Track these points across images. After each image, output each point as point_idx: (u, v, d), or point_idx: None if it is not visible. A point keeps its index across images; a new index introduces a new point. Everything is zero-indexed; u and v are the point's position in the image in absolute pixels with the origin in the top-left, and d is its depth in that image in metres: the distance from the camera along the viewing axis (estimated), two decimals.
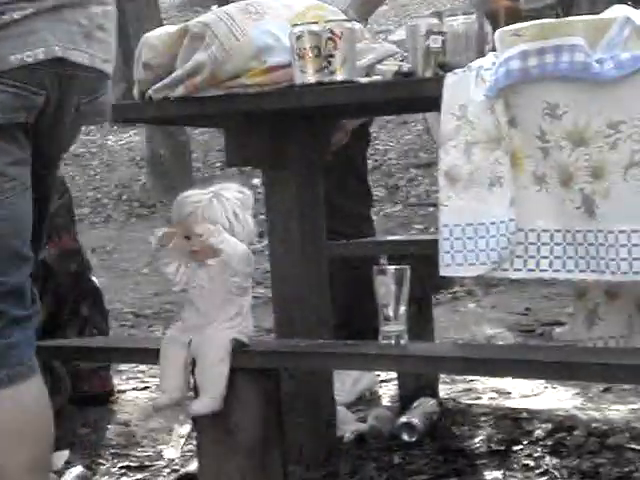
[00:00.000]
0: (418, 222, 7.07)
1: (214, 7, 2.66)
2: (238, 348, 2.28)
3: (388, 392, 3.33)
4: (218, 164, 9.90)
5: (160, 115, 2.66)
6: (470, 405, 3.03)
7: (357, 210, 3.29)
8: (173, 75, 2.50)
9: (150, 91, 2.55)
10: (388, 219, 7.08)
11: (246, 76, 2.46)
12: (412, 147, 9.08)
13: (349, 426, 2.87)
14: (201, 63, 2.45)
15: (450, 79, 2.25)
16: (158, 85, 2.53)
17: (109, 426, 3.14)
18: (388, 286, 2.28)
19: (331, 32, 2.38)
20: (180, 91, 2.50)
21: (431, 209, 7.21)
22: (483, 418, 2.93)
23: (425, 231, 6.67)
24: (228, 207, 2.27)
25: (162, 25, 2.84)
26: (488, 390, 3.23)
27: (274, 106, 2.50)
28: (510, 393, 3.21)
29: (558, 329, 3.61)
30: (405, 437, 2.80)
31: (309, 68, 2.41)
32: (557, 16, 3.07)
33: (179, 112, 2.57)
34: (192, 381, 2.30)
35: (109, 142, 11.62)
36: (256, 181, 2.44)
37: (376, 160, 8.60)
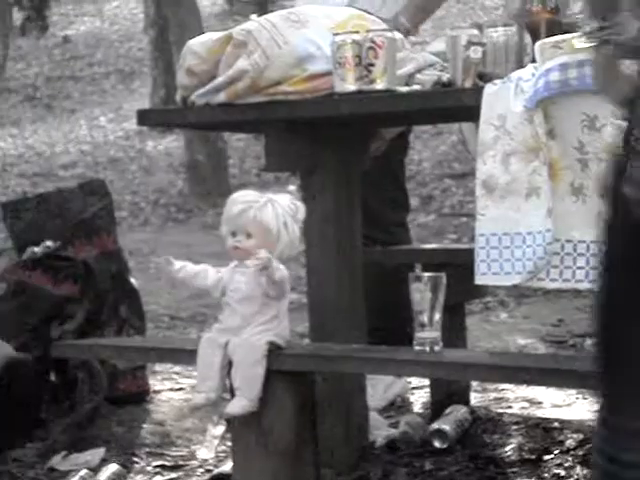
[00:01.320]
0: (451, 232, 7.08)
1: (253, 15, 2.69)
2: (274, 351, 2.32)
3: (420, 399, 3.34)
4: (254, 171, 9.96)
5: (201, 121, 2.71)
6: (501, 414, 3.03)
7: (393, 217, 3.31)
8: (215, 81, 2.54)
9: (193, 97, 2.59)
10: (422, 228, 7.09)
11: (287, 83, 2.50)
12: (447, 158, 9.09)
13: (381, 431, 2.89)
14: (243, 70, 2.49)
15: (489, 89, 2.27)
16: (200, 91, 2.57)
17: (144, 425, 3.18)
18: (423, 293, 2.31)
19: (372, 41, 2.41)
20: (222, 97, 2.54)
21: (464, 219, 7.22)
22: (514, 427, 2.93)
23: (458, 241, 6.69)
24: (280, 214, 2.31)
25: (203, 33, 2.88)
26: (519, 399, 3.24)
27: (314, 114, 2.53)
28: (541, 403, 3.21)
29: (590, 340, 3.61)
30: (436, 444, 2.81)
31: (349, 77, 2.44)
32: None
33: (220, 118, 2.61)
34: (228, 382, 2.33)
35: (148, 147, 11.73)
36: (292, 188, 2.47)
37: (411, 170, 8.62)
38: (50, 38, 17.84)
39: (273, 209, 2.30)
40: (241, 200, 2.32)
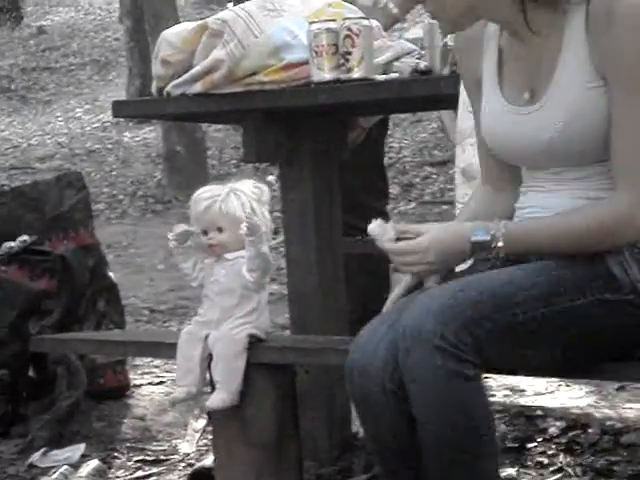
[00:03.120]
0: (432, 220, 7.06)
1: (230, 4, 2.66)
2: (254, 343, 2.30)
3: None
4: (233, 161, 9.92)
5: (177, 111, 2.68)
6: None
7: (375, 205, 3.29)
8: (191, 72, 2.51)
9: (168, 87, 2.56)
10: (402, 217, 7.09)
11: (263, 73, 2.47)
12: (427, 145, 9.08)
13: None
14: (219, 60, 2.46)
15: None
16: (176, 81, 2.54)
17: (125, 420, 3.16)
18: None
19: (349, 30, 2.39)
20: (198, 88, 2.51)
21: (445, 207, 7.22)
22: (497, 415, 2.92)
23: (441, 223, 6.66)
24: (245, 201, 2.29)
25: (178, 22, 2.85)
26: (502, 387, 3.23)
27: (291, 103, 2.51)
28: (524, 391, 3.21)
29: None
30: None
31: (326, 65, 2.41)
32: None
33: (196, 108, 2.59)
34: (208, 376, 2.31)
35: (125, 138, 11.66)
36: (271, 178, 2.44)
37: (391, 157, 8.60)
38: (25, 29, 17.70)
39: (237, 198, 2.28)
40: (204, 197, 2.30)
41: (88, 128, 12.32)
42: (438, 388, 1.64)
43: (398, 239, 1.81)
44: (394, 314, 1.80)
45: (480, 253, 1.79)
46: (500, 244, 1.76)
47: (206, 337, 2.30)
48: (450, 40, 2.38)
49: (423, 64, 2.46)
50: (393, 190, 7.42)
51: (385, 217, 3.40)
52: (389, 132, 3.59)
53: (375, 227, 1.82)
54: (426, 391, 1.65)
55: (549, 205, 1.82)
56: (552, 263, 1.77)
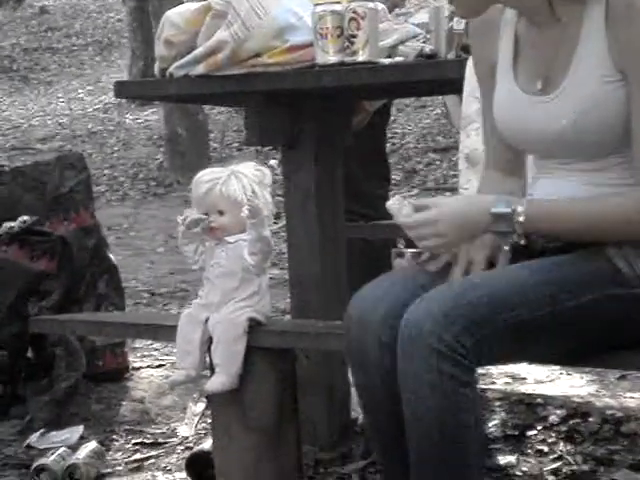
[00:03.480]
0: None
1: None
2: (255, 327, 2.28)
3: None
4: (235, 144, 9.90)
5: (180, 93, 2.65)
6: (485, 390, 3.02)
7: (376, 191, 3.27)
8: (194, 52, 2.49)
9: (171, 68, 2.54)
10: None
11: (267, 55, 2.45)
12: (430, 131, 9.06)
13: None
14: (223, 41, 2.44)
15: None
16: (179, 62, 2.52)
17: (123, 403, 3.15)
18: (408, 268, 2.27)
19: (354, 12, 2.37)
20: (201, 69, 2.49)
21: (448, 194, 7.19)
22: (497, 403, 2.92)
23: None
24: (246, 184, 2.27)
25: (182, 3, 2.83)
26: (503, 375, 3.22)
27: (294, 86, 2.48)
28: (525, 378, 3.20)
29: None
30: None
31: (331, 48, 2.39)
32: None
33: (199, 90, 2.56)
34: (208, 359, 2.30)
35: (127, 120, 11.64)
36: (273, 162, 2.43)
37: (394, 144, 8.58)
38: (27, 9, 17.64)
39: (238, 181, 2.26)
40: (205, 179, 2.28)
41: (90, 109, 12.29)
42: (431, 389, 1.64)
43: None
44: (399, 273, 1.83)
45: (499, 225, 1.74)
46: (521, 219, 1.73)
47: (206, 320, 2.29)
48: (456, 24, 2.36)
49: (428, 48, 2.44)
50: (396, 176, 7.41)
51: (385, 202, 3.40)
52: (392, 118, 3.57)
53: (393, 203, 1.78)
54: (419, 390, 1.65)
55: (560, 193, 1.80)
56: (557, 261, 1.76)
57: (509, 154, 1.94)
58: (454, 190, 7.16)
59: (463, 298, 1.68)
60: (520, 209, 1.74)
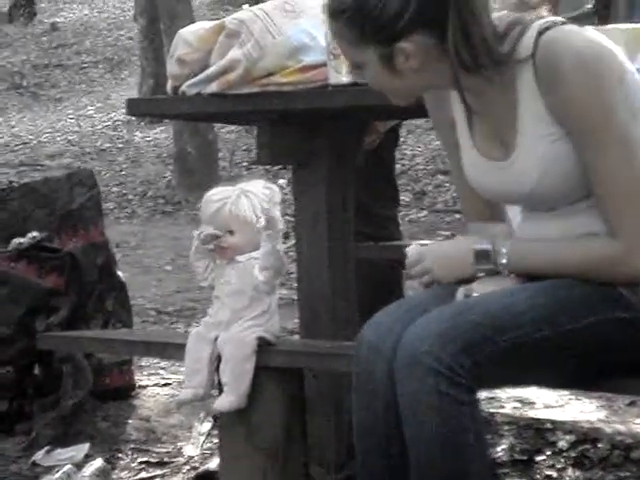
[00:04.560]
0: (444, 229, 7.04)
1: (245, 6, 2.64)
2: (264, 347, 2.27)
3: None
4: (244, 163, 9.90)
5: (192, 111, 2.65)
6: (493, 414, 3.00)
7: (385, 212, 3.27)
8: (207, 71, 2.49)
9: (183, 87, 2.54)
10: (414, 225, 7.06)
11: (281, 74, 2.45)
12: (440, 153, 9.05)
13: None
14: (236, 60, 2.44)
15: None
16: (192, 81, 2.52)
17: (129, 421, 3.14)
18: (417, 290, 2.27)
19: None
20: (213, 87, 2.49)
21: (457, 216, 7.18)
22: (506, 427, 2.90)
23: (451, 237, 6.63)
24: (256, 203, 2.27)
25: (194, 22, 2.83)
26: (512, 399, 3.20)
27: (307, 105, 2.48)
28: (534, 403, 3.18)
29: None
30: None
31: (343, 68, 2.39)
32: (594, 25, 3.04)
33: (212, 109, 2.56)
34: (216, 378, 2.29)
35: (136, 138, 11.66)
36: (282, 181, 2.43)
37: (403, 165, 8.57)
38: (38, 25, 17.73)
39: (247, 200, 2.27)
40: (215, 199, 2.29)
41: (99, 126, 12.32)
42: (430, 410, 1.63)
43: None
44: (412, 301, 1.83)
45: (484, 263, 1.79)
46: (504, 261, 1.77)
47: (215, 339, 2.28)
48: None
49: None
50: (405, 198, 7.40)
51: (394, 224, 3.40)
52: (402, 139, 3.57)
53: (409, 249, 1.92)
54: (418, 411, 1.64)
55: (547, 234, 1.81)
56: (559, 283, 1.75)
57: (485, 204, 1.94)
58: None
59: (461, 318, 1.67)
60: (503, 250, 1.77)
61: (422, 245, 1.93)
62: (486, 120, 1.82)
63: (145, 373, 3.59)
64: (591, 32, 1.75)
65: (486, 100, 1.79)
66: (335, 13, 1.77)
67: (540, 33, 1.71)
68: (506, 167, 1.79)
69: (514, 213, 1.97)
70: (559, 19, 1.75)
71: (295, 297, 2.81)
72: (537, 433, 2.86)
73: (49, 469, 2.78)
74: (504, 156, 1.79)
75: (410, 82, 1.77)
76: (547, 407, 3.15)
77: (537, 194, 1.78)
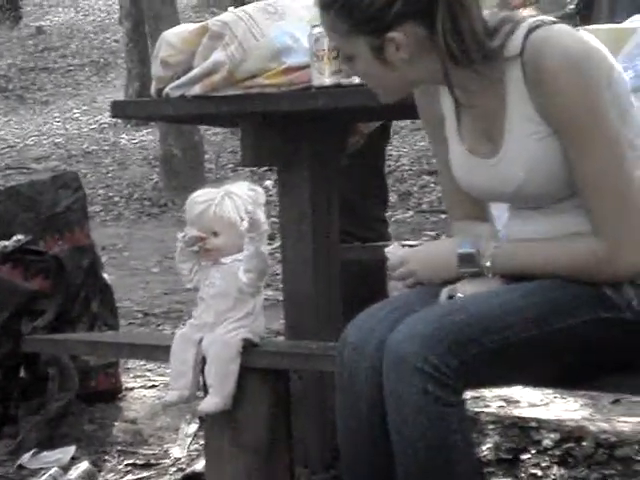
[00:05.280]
0: (429, 229, 7.06)
1: (230, 8, 2.65)
2: (248, 348, 2.28)
3: None
4: (230, 165, 9.90)
5: (176, 113, 2.66)
6: (478, 413, 3.01)
7: (375, 213, 3.27)
8: (191, 73, 2.50)
9: (167, 89, 2.55)
10: (399, 225, 7.07)
11: (264, 76, 2.46)
12: (425, 153, 9.07)
13: None
14: (219, 62, 2.45)
15: None
16: (175, 83, 2.52)
17: (116, 423, 3.14)
18: (401, 290, 2.28)
19: None
20: (197, 90, 2.49)
21: (443, 216, 7.20)
22: (491, 426, 2.91)
23: (436, 238, 6.65)
24: (240, 205, 2.27)
25: (179, 24, 2.84)
26: (496, 398, 3.21)
27: (290, 107, 2.49)
28: (518, 402, 3.19)
29: None
30: None
31: (326, 70, 2.40)
32: (576, 26, 3.06)
33: (196, 110, 2.57)
34: (202, 380, 2.29)
35: (122, 140, 11.64)
36: (268, 183, 2.43)
37: (389, 166, 8.59)
38: (23, 29, 17.68)
39: (232, 202, 2.27)
40: (199, 200, 2.29)
41: (85, 129, 12.30)
42: (416, 410, 1.63)
43: None
44: (396, 301, 1.83)
45: (467, 266, 1.80)
46: (488, 263, 1.78)
47: (200, 340, 2.29)
48: None
49: None
50: (391, 198, 7.36)
51: (382, 224, 3.40)
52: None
53: (389, 249, 1.92)
54: (404, 412, 1.65)
55: (534, 232, 1.82)
56: (546, 284, 1.76)
57: (470, 202, 1.94)
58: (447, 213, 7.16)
59: (448, 319, 1.68)
60: (486, 252, 1.79)
61: (402, 246, 1.93)
62: (474, 116, 1.82)
63: (131, 375, 3.59)
64: (581, 32, 1.76)
65: (475, 96, 1.79)
66: (326, 5, 1.77)
67: (529, 31, 1.72)
68: (493, 164, 1.80)
69: (499, 212, 1.98)
70: (549, 18, 1.76)
71: (281, 298, 2.81)
72: (522, 432, 2.87)
73: (35, 472, 2.78)
74: (491, 153, 1.80)
75: (400, 74, 1.77)
76: (532, 406, 3.16)
77: (523, 192, 1.78)
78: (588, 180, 1.72)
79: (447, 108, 1.87)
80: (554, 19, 1.76)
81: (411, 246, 1.97)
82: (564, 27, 1.74)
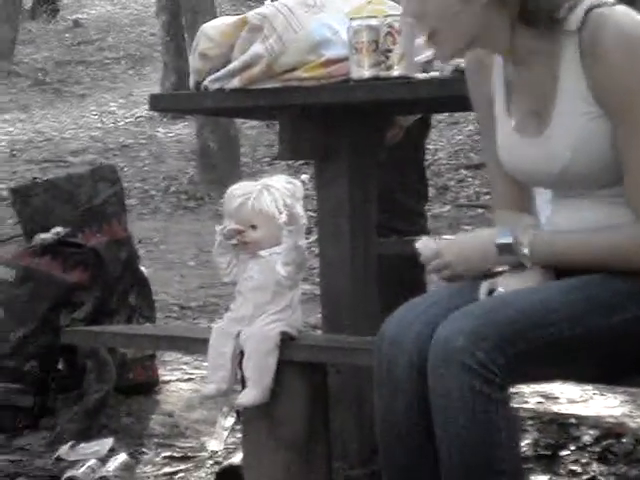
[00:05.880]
0: (467, 223, 7.02)
1: (267, 1, 2.64)
2: (286, 341, 2.27)
3: None
4: (266, 159, 9.91)
5: (215, 106, 2.66)
6: (517, 409, 2.99)
7: (416, 207, 3.25)
8: (229, 66, 2.49)
9: (206, 82, 2.54)
10: (437, 220, 7.03)
11: (303, 69, 2.45)
12: (462, 148, 9.02)
13: None
14: (258, 55, 2.44)
15: None
16: (214, 76, 2.52)
17: (153, 416, 3.15)
18: (437, 283, 2.26)
19: (390, 27, 2.36)
20: (235, 82, 2.49)
21: (480, 210, 7.17)
22: (530, 422, 2.89)
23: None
24: (278, 198, 2.27)
25: (216, 17, 2.83)
26: (535, 394, 3.19)
27: (329, 100, 2.48)
28: (558, 398, 3.17)
29: None
30: None
31: (366, 62, 2.39)
32: None
33: (234, 103, 2.56)
34: (239, 373, 2.29)
35: (158, 134, 11.68)
36: (304, 177, 2.42)
37: (426, 159, 8.54)
38: (60, 22, 17.78)
39: (270, 195, 2.26)
40: (237, 194, 2.28)
41: (122, 123, 12.36)
42: (462, 407, 1.63)
43: None
44: (434, 296, 1.83)
45: (506, 258, 1.79)
46: (526, 251, 1.77)
47: (238, 334, 2.28)
48: None
49: (464, 63, 2.42)
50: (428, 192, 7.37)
51: (422, 218, 3.38)
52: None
53: (420, 243, 1.92)
54: (450, 408, 1.64)
55: (579, 222, 1.80)
56: (590, 280, 1.75)
57: (516, 190, 1.93)
58: (485, 207, 7.12)
59: (495, 315, 1.67)
60: (525, 240, 1.77)
61: (432, 240, 1.93)
62: (525, 97, 1.82)
63: (168, 368, 3.60)
64: None
65: (529, 70, 1.79)
66: None
67: (590, 9, 1.73)
68: (540, 143, 1.79)
69: (543, 206, 1.96)
70: (610, 0, 1.76)
71: (317, 292, 2.81)
72: (561, 428, 2.85)
73: (73, 463, 2.79)
74: (539, 132, 1.79)
75: (471, 18, 1.76)
76: (571, 402, 3.14)
77: (569, 173, 1.77)
78: (633, 162, 1.71)
79: (498, 87, 1.87)
80: (615, 0, 1.76)
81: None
82: (624, 9, 1.74)
